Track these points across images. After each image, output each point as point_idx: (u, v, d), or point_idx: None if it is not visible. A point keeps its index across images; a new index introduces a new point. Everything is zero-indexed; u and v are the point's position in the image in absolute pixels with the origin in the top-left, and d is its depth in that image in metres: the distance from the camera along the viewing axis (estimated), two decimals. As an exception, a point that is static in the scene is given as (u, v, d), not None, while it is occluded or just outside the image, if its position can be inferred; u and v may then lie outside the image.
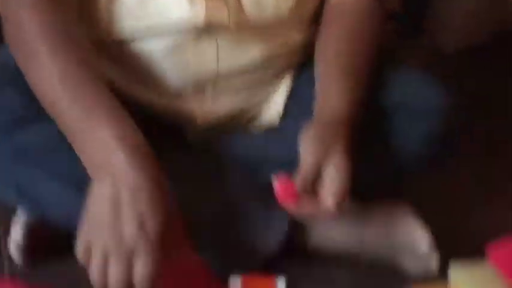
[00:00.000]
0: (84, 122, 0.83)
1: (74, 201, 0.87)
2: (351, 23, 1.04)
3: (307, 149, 0.91)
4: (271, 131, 1.09)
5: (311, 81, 1.04)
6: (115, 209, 0.78)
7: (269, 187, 0.92)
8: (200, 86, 1.03)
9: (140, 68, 1.02)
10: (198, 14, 0.97)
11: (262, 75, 1.07)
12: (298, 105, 1.08)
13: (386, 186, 1.08)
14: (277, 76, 1.10)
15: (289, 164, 0.93)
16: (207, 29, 0.99)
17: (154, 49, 1.00)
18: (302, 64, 1.10)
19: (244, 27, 1.00)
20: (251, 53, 1.03)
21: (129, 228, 0.77)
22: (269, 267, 1.01)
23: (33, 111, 0.91)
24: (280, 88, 1.10)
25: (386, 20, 1.09)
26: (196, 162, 1.05)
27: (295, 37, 1.07)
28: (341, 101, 0.95)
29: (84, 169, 0.85)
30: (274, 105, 1.10)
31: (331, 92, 0.97)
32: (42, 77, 0.86)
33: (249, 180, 1.04)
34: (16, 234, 1.03)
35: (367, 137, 0.96)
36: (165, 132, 1.06)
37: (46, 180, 0.93)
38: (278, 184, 0.90)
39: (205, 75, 1.03)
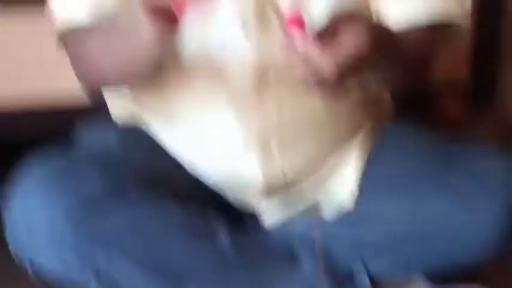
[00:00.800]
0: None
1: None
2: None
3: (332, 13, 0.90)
4: (342, 214, 1.08)
5: (384, 159, 1.05)
6: None
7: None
8: (264, 144, 1.04)
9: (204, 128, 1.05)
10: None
11: (327, 132, 1.08)
12: (371, 185, 1.08)
13: (461, 268, 1.06)
14: (344, 138, 1.10)
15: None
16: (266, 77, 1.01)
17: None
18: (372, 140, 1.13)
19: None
20: (311, 103, 1.04)
21: None
22: None
23: (114, 195, 0.94)
24: (349, 160, 1.10)
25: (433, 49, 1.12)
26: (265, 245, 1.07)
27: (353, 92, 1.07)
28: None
29: (165, 256, 0.88)
30: (344, 180, 1.10)
31: None
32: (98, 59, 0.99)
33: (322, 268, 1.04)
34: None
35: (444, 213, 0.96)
36: (223, 213, 1.08)
37: (127, 266, 0.94)
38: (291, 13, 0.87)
39: (268, 130, 1.04)
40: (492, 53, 1.79)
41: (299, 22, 0.87)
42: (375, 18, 1.06)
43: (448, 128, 1.18)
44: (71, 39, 1.05)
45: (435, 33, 1.10)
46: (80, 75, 1.07)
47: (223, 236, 1.02)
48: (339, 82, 0.88)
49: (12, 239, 0.96)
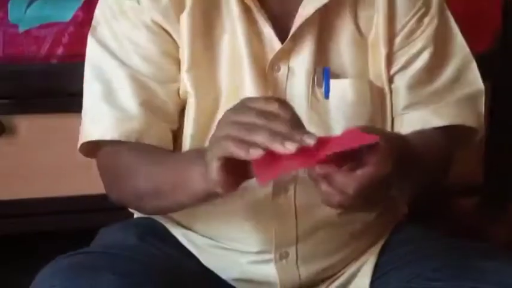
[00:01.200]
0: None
1: None
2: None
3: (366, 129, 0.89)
4: None
5: (397, 263, 1.07)
6: None
7: None
8: (282, 247, 1.06)
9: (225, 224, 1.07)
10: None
11: (344, 238, 1.10)
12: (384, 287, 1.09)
13: None
14: (361, 247, 1.12)
15: None
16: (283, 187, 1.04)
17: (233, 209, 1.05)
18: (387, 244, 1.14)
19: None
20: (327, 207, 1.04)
21: None
22: None
23: None
24: (365, 265, 1.12)
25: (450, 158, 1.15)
26: None
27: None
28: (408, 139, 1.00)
29: None
30: (358, 284, 1.12)
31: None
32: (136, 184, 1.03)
33: None
34: None
35: None
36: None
37: None
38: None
39: (286, 234, 1.06)
40: (507, 157, 1.81)
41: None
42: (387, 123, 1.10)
43: (464, 232, 1.17)
44: (102, 154, 1.09)
45: (450, 137, 1.13)
46: (109, 190, 1.09)
47: None
48: (361, 203, 0.89)
49: None
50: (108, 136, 1.05)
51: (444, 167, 1.14)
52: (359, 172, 0.86)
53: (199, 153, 0.93)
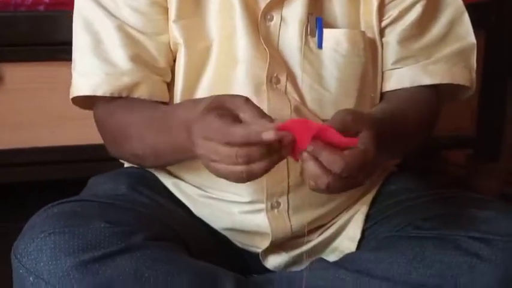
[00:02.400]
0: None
1: None
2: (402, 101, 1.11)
3: (339, 114, 0.92)
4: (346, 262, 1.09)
5: (388, 213, 1.09)
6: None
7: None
8: (274, 197, 1.08)
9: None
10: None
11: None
12: (375, 236, 1.11)
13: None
14: (352, 199, 1.13)
15: None
16: None
17: None
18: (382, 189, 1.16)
19: None
20: None
21: None
22: None
23: (120, 241, 0.95)
24: (356, 215, 1.14)
25: (436, 114, 1.17)
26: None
27: None
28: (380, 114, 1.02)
29: None
30: (350, 233, 1.14)
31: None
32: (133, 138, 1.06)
33: None
34: None
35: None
36: (228, 256, 1.11)
37: None
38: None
39: (278, 184, 1.07)
40: (499, 109, 1.82)
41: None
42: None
43: (455, 184, 1.18)
44: (97, 111, 1.11)
45: (438, 95, 1.15)
46: (109, 149, 1.12)
47: (228, 285, 1.03)
48: (347, 184, 0.91)
49: (18, 280, 0.97)
50: (99, 92, 1.06)
51: (429, 127, 1.16)
52: (346, 152, 0.88)
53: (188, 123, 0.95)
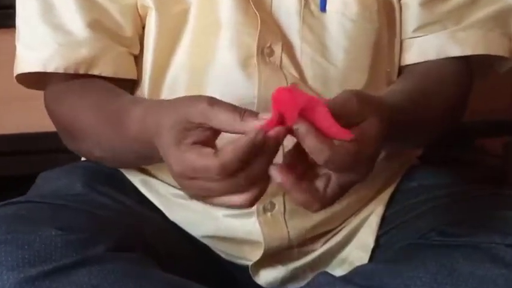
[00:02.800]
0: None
1: None
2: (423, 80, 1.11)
3: (342, 94, 0.89)
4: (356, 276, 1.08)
5: (408, 215, 1.09)
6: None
7: None
8: (267, 197, 1.06)
9: None
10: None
11: None
12: (391, 244, 1.11)
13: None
14: (363, 200, 1.14)
15: None
16: None
17: None
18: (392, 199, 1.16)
19: None
20: None
21: None
22: None
23: (76, 250, 0.94)
24: (369, 218, 1.14)
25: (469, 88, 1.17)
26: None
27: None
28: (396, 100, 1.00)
29: None
30: (361, 240, 1.14)
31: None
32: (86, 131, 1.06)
33: None
34: None
35: None
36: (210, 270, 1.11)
37: None
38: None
39: (272, 186, 1.06)
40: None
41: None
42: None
43: (489, 177, 1.18)
44: (47, 94, 1.10)
45: (470, 69, 1.15)
46: (65, 142, 1.12)
47: None
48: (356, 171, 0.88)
49: None
50: (50, 67, 1.06)
51: (458, 110, 1.16)
52: (338, 143, 0.85)
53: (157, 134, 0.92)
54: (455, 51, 1.13)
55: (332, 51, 1.08)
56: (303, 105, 0.83)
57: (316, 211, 0.87)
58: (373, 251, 1.13)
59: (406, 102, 1.03)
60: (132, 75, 1.09)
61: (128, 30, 1.08)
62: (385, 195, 1.15)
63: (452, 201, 1.11)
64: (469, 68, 1.16)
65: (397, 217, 1.13)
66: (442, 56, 1.13)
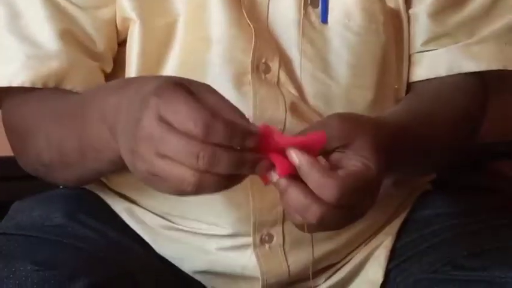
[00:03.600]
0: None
1: None
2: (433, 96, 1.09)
3: (334, 120, 0.87)
4: None
5: (420, 247, 1.07)
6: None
7: None
8: (264, 227, 1.05)
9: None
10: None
11: None
12: (402, 279, 1.08)
13: None
14: (372, 228, 1.11)
15: None
16: None
17: None
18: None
19: None
20: None
21: None
22: None
23: None
24: (377, 250, 1.11)
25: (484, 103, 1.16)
26: None
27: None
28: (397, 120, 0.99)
29: None
30: (369, 275, 1.11)
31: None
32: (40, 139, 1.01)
33: None
34: None
35: None
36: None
37: None
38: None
39: (269, 210, 1.04)
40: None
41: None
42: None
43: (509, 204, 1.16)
44: (7, 107, 1.07)
45: (484, 85, 1.14)
46: (16, 155, 1.08)
47: None
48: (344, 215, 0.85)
49: None
50: (16, 81, 1.03)
51: (472, 131, 1.15)
52: (341, 172, 0.83)
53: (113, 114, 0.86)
54: (470, 66, 1.11)
55: (334, 67, 1.05)
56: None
57: (314, 226, 0.84)
58: (383, 286, 1.09)
59: (409, 122, 1.01)
60: None
61: (101, 44, 1.05)
62: (395, 226, 1.12)
63: (470, 231, 1.08)
64: (483, 84, 1.14)
65: (409, 249, 1.10)
66: (455, 71, 1.11)
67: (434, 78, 1.12)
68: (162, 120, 0.78)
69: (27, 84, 1.02)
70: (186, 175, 0.77)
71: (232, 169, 0.78)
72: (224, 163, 0.77)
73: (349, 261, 1.10)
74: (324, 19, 1.05)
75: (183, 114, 0.77)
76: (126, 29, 1.05)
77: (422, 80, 1.12)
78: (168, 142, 0.78)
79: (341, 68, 1.05)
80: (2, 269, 0.92)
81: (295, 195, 0.82)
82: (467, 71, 1.11)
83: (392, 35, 1.09)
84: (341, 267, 1.10)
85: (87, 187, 1.12)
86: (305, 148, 0.82)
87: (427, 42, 1.11)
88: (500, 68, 1.12)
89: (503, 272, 0.99)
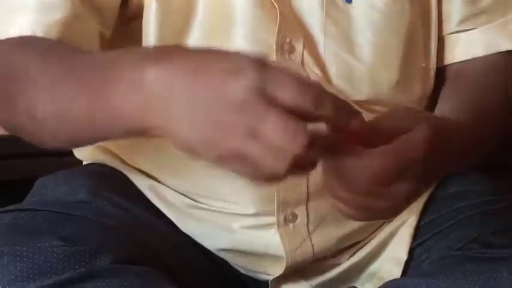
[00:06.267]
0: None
1: None
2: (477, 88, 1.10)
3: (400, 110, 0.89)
4: None
5: (445, 225, 1.08)
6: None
7: None
8: (288, 207, 1.06)
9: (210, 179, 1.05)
10: None
11: None
12: (427, 256, 1.09)
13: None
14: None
15: None
16: None
17: None
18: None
19: None
20: None
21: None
22: None
23: (78, 268, 0.93)
24: (401, 228, 1.12)
25: None
26: None
27: None
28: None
29: None
30: (393, 252, 1.12)
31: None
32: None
33: None
34: None
35: None
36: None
37: None
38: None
39: (293, 190, 1.06)
40: None
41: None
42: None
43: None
44: None
45: None
46: None
47: None
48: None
49: None
50: (14, 30, 0.97)
51: (509, 114, 1.14)
52: (378, 150, 0.83)
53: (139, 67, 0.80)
54: (507, 44, 1.12)
55: (358, 47, 1.06)
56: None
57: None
58: (406, 264, 1.11)
59: (463, 116, 1.02)
60: None
61: (107, 6, 1.02)
62: (419, 203, 1.13)
63: (497, 208, 1.09)
64: None
65: (433, 227, 1.11)
66: (492, 51, 1.12)
67: (471, 62, 1.13)
68: (264, 96, 0.74)
69: (25, 32, 0.96)
70: (281, 157, 0.74)
71: (324, 153, 0.78)
72: (320, 145, 0.76)
73: (372, 239, 1.12)
74: None
75: (292, 87, 0.74)
76: (141, 7, 1.03)
77: (458, 63, 1.13)
78: (268, 119, 0.73)
79: (365, 47, 1.06)
80: (28, 244, 0.93)
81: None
82: (505, 49, 1.12)
83: (418, 13, 1.10)
84: (365, 244, 1.12)
85: (112, 163, 1.13)
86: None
87: (461, 22, 1.12)
88: None
89: None
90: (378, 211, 0.87)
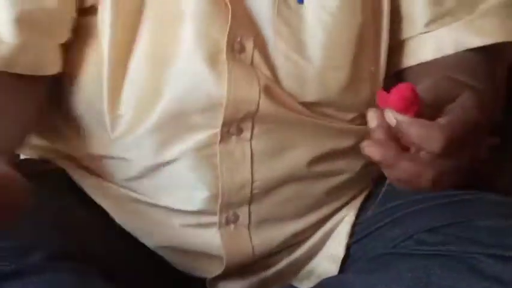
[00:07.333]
0: None
1: None
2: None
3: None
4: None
5: (382, 222, 1.09)
6: None
7: None
8: (231, 207, 1.07)
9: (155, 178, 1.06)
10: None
11: (313, 191, 1.10)
12: (363, 253, 1.11)
13: None
14: (334, 198, 1.13)
15: None
16: (237, 122, 1.03)
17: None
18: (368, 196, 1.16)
19: (281, 112, 1.04)
20: (295, 154, 1.07)
21: None
22: None
23: (7, 265, 0.93)
24: (339, 226, 1.13)
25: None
26: None
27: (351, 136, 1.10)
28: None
29: None
30: (330, 250, 1.13)
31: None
32: None
33: None
34: None
35: None
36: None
37: None
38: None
39: (237, 191, 1.06)
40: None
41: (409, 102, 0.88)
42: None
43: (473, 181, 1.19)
44: None
45: (495, 60, 1.16)
46: None
47: None
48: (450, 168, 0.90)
49: None
50: None
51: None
52: (441, 120, 0.88)
53: None
54: (475, 40, 1.12)
55: (309, 48, 1.06)
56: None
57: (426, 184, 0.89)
58: (343, 262, 1.12)
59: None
60: (52, 69, 1.04)
61: (63, 15, 1.03)
62: (357, 201, 1.14)
63: (432, 206, 1.09)
64: (492, 58, 1.15)
65: (371, 224, 1.12)
66: (460, 48, 1.12)
67: (442, 57, 1.12)
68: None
69: None
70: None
71: None
72: None
73: (309, 238, 1.12)
74: None
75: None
76: (97, 3, 1.02)
77: (427, 62, 1.13)
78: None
79: (315, 48, 1.06)
80: None
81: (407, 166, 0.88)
82: (473, 46, 1.12)
83: (370, 15, 1.09)
84: (300, 245, 1.12)
85: (53, 161, 1.12)
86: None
87: (429, 23, 1.12)
88: (506, 39, 1.13)
89: (467, 247, 1.01)
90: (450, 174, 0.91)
